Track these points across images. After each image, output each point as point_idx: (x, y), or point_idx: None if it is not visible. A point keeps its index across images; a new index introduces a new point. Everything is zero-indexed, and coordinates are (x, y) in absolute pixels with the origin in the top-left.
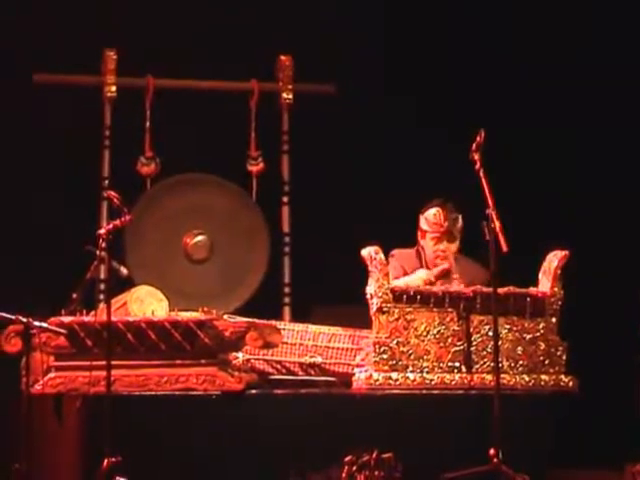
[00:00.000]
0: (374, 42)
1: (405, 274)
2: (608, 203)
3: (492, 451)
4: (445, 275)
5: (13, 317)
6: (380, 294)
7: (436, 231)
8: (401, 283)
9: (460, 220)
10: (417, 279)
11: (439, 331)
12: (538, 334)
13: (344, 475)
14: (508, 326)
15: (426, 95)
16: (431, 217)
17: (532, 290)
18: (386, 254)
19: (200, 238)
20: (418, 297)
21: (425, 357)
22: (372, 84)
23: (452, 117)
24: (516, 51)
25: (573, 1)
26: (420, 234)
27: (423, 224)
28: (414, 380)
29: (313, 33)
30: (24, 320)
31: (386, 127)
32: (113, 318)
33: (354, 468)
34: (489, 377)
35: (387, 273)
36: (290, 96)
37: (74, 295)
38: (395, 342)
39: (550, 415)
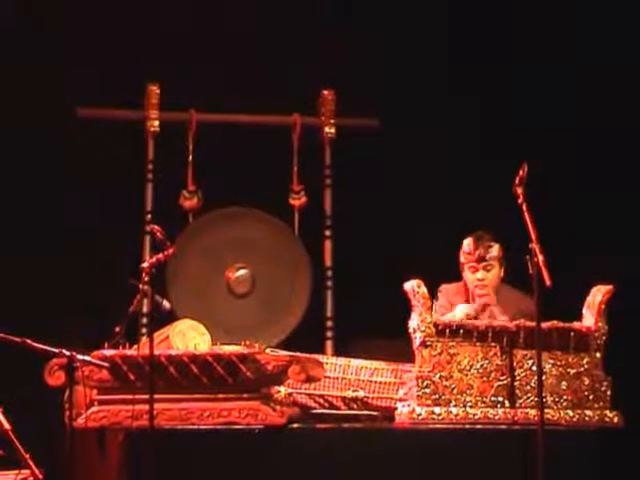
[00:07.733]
0: (416, 76)
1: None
2: None
3: None
4: (486, 309)
5: (57, 350)
6: (423, 328)
7: (469, 260)
8: (444, 320)
9: (496, 248)
10: (458, 314)
11: (482, 365)
12: (582, 369)
13: None
14: (552, 361)
15: (470, 127)
16: (465, 247)
17: (576, 325)
18: (429, 288)
19: (242, 272)
20: (461, 331)
21: (468, 391)
22: (415, 117)
23: (496, 150)
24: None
25: None
26: (460, 267)
27: (461, 256)
28: (457, 415)
29: (355, 67)
30: (67, 353)
31: (429, 160)
32: (155, 352)
33: None
34: (533, 412)
35: (430, 307)
36: (332, 130)
37: (117, 329)
38: (438, 376)
39: (595, 451)
